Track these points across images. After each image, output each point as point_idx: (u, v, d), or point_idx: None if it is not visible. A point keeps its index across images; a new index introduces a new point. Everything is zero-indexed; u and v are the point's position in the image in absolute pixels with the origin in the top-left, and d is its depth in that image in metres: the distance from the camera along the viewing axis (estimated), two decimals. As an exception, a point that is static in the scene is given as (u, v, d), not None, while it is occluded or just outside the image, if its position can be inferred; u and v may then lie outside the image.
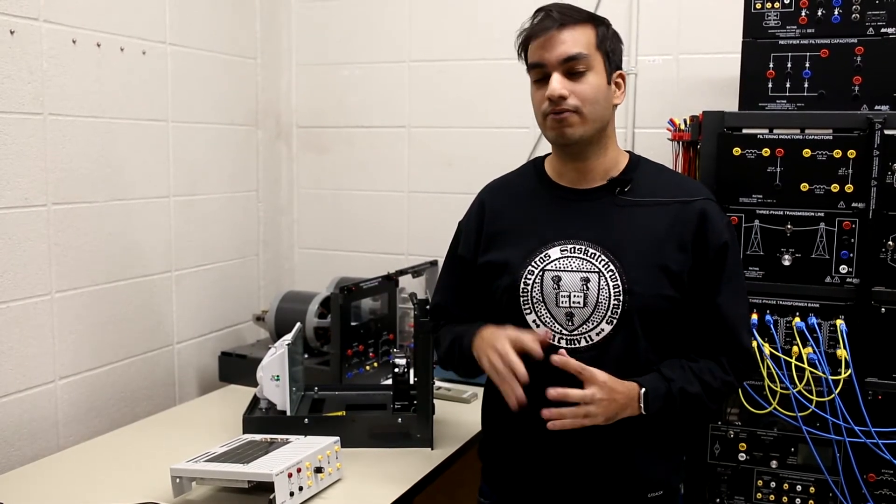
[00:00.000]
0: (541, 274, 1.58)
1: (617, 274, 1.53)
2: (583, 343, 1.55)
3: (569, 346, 1.55)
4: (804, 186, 1.84)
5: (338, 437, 1.87)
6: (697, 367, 1.54)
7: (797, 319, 1.83)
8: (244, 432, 2.03)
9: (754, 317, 1.85)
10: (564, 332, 1.56)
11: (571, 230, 1.59)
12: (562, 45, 1.54)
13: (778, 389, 1.81)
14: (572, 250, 1.57)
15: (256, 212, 2.90)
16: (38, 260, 2.06)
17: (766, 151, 1.86)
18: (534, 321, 1.57)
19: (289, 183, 3.05)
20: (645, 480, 1.59)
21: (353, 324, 2.41)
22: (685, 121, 2.07)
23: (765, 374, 1.82)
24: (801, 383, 1.79)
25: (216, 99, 2.67)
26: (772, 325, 1.85)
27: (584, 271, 1.55)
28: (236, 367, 2.55)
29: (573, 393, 1.46)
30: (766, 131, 1.90)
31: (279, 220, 3.02)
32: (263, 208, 2.93)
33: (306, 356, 2.43)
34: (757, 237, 1.87)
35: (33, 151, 2.03)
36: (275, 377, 2.07)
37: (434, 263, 2.76)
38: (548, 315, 1.57)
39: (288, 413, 2.07)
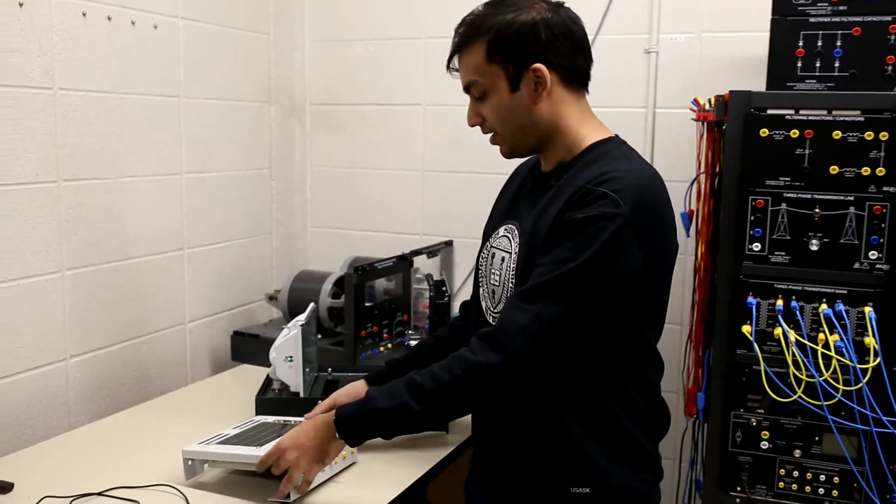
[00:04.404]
0: (489, 249, 1.64)
1: (517, 256, 1.53)
2: None
3: (493, 322, 1.57)
4: (833, 169, 1.78)
5: None
6: (420, 373, 1.48)
7: (824, 306, 1.78)
8: (257, 413, 2.01)
9: (780, 302, 1.80)
10: (491, 308, 1.61)
11: (516, 211, 1.61)
12: (461, 73, 1.56)
13: (803, 377, 1.76)
14: (507, 230, 1.60)
15: (269, 190, 2.86)
16: (49, 237, 2.03)
17: (794, 133, 1.80)
18: (481, 294, 1.65)
19: (302, 161, 3.01)
20: (566, 473, 1.52)
21: (367, 304, 2.38)
22: (710, 101, 2.02)
23: (790, 361, 1.77)
24: (827, 371, 1.75)
25: (228, 75, 2.63)
26: (798, 312, 1.80)
27: (504, 250, 1.58)
28: (249, 347, 2.54)
29: (258, 465, 1.60)
30: (794, 112, 1.84)
31: (292, 199, 2.98)
32: (276, 186, 2.89)
33: (319, 336, 2.41)
34: (784, 221, 1.82)
35: (43, 127, 1.99)
36: (288, 358, 2.05)
37: (449, 244, 2.73)
38: (486, 290, 1.63)
39: (301, 394, 2.05)
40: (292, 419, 1.87)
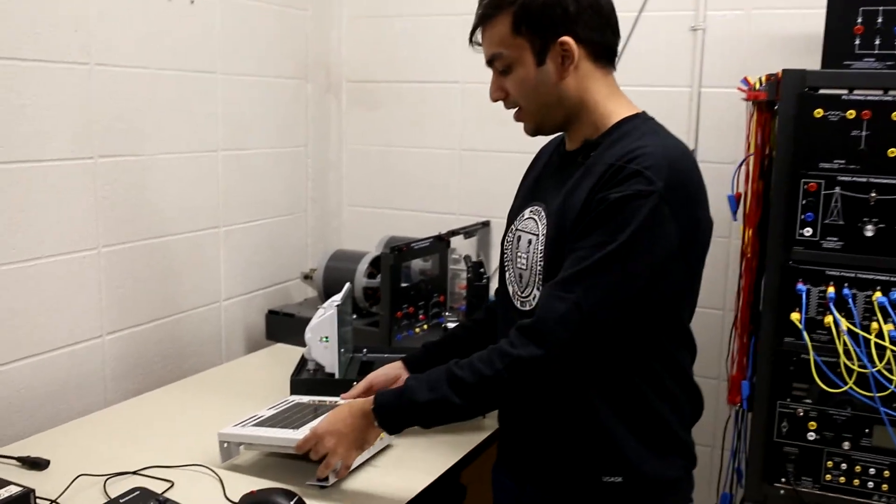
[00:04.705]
0: (514, 233, 1.59)
1: (545, 238, 1.47)
2: (527, 307, 1.51)
3: (522, 307, 1.54)
4: (892, 152, 1.70)
5: None
6: (460, 365, 1.43)
7: (878, 294, 1.71)
8: (292, 394, 1.99)
9: (831, 290, 1.74)
10: (518, 293, 1.55)
11: (542, 191, 1.56)
12: (484, 46, 1.51)
13: (855, 368, 1.70)
14: (532, 211, 1.55)
15: (305, 168, 2.84)
16: (85, 214, 2.01)
17: (850, 114, 1.72)
18: (507, 278, 1.60)
19: (338, 138, 2.97)
20: (597, 462, 1.47)
21: (402, 285, 2.35)
22: (760, 80, 1.94)
23: (840, 350, 1.71)
24: (881, 362, 1.69)
25: (265, 51, 2.60)
26: (850, 300, 1.73)
27: (530, 233, 1.52)
28: (284, 326, 2.52)
29: (296, 449, 1.58)
30: (848, 92, 1.76)
31: (328, 177, 2.95)
32: (312, 164, 2.86)
33: (355, 317, 2.38)
34: (837, 205, 1.75)
35: (79, 102, 1.97)
36: (323, 338, 2.03)
37: (486, 224, 2.69)
38: (512, 274, 1.58)
39: (336, 375, 2.03)
40: (327, 399, 1.85)
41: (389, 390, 1.55)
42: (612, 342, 1.41)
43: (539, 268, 1.48)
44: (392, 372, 1.79)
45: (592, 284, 1.36)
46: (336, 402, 1.81)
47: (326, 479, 1.59)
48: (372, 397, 1.53)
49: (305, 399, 1.89)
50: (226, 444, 1.68)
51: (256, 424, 1.71)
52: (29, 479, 1.59)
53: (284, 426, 1.68)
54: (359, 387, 1.77)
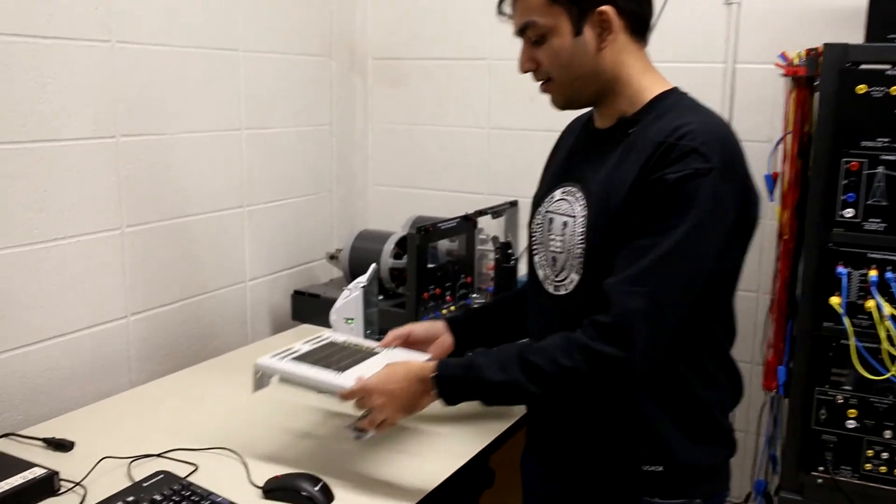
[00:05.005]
0: (544, 215, 1.53)
1: (585, 219, 1.42)
2: (562, 291, 1.47)
3: (555, 292, 1.49)
4: (938, 129, 1.64)
5: (430, 354, 1.73)
6: (534, 350, 1.38)
7: (923, 278, 1.66)
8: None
9: (873, 273, 1.68)
10: (551, 277, 1.50)
11: (575, 171, 1.50)
12: (516, 14, 1.45)
13: (898, 354, 1.65)
14: (565, 192, 1.49)
15: (330, 146, 2.80)
16: (108, 194, 1.99)
17: (895, 89, 1.66)
18: (537, 262, 1.55)
19: (363, 117, 2.93)
20: (637, 450, 1.43)
21: (429, 266, 2.31)
22: (799, 55, 1.88)
23: (883, 336, 1.65)
24: (925, 348, 1.63)
25: (289, 28, 2.55)
26: (893, 283, 1.67)
27: (565, 214, 1.47)
28: (309, 307, 2.50)
29: (342, 397, 1.52)
30: (894, 66, 1.69)
31: (353, 156, 2.92)
32: (337, 143, 2.82)
33: (381, 298, 2.35)
34: (880, 185, 1.68)
35: (101, 81, 1.95)
36: (349, 320, 1.99)
37: (514, 204, 2.63)
38: (544, 258, 1.52)
39: (362, 358, 2.00)
40: (363, 343, 1.79)
41: (453, 362, 1.50)
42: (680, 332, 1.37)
43: (579, 250, 1.43)
44: (434, 329, 1.77)
45: (665, 275, 1.31)
46: (374, 348, 1.75)
47: (364, 430, 1.53)
48: (433, 364, 1.48)
49: (341, 338, 1.82)
50: (259, 374, 1.62)
51: (295, 359, 1.63)
52: (53, 460, 1.58)
53: (325, 367, 1.59)
54: (399, 331, 1.74)
